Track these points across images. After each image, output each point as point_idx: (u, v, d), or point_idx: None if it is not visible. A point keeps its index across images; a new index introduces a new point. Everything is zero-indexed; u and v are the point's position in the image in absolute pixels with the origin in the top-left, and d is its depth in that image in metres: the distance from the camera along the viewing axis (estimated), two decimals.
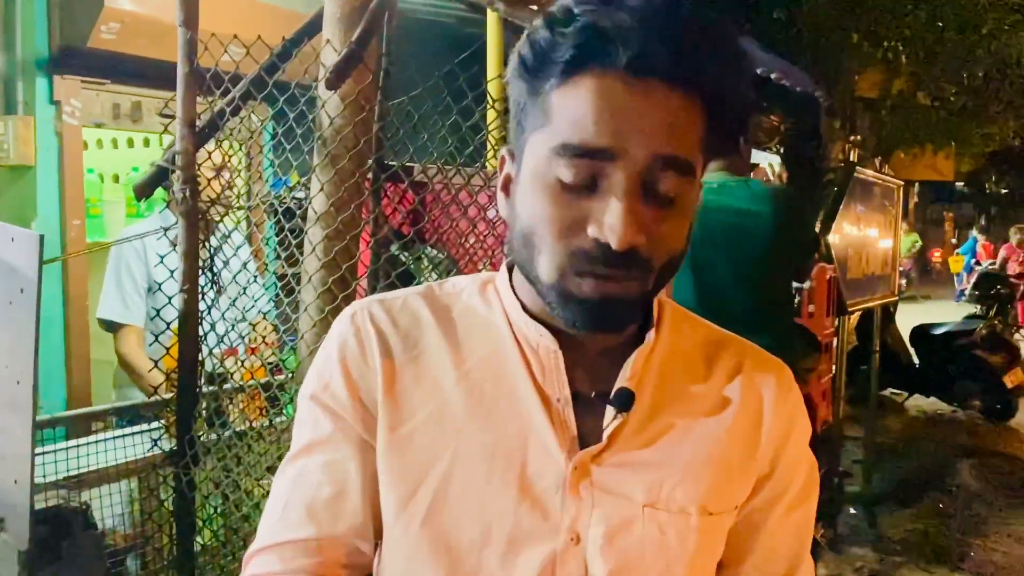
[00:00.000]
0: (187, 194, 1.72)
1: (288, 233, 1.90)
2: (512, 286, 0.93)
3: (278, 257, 1.98)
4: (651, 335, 0.92)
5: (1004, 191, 21.40)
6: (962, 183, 21.27)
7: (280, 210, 1.99)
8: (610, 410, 0.88)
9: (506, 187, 0.89)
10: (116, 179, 5.08)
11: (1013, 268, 11.09)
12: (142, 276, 2.77)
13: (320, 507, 0.90)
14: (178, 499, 1.82)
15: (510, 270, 0.95)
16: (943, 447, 6.41)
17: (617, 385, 0.88)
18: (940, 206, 24.61)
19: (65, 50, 3.63)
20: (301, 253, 1.79)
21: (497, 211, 1.96)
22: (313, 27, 1.82)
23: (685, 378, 0.94)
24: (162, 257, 1.85)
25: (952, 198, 23.88)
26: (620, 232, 0.75)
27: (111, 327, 2.82)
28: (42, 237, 1.43)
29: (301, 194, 2.00)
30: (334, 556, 0.91)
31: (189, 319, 1.79)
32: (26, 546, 1.47)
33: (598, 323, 0.83)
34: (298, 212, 1.95)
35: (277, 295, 1.99)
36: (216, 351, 2.04)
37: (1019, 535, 4.67)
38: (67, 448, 1.95)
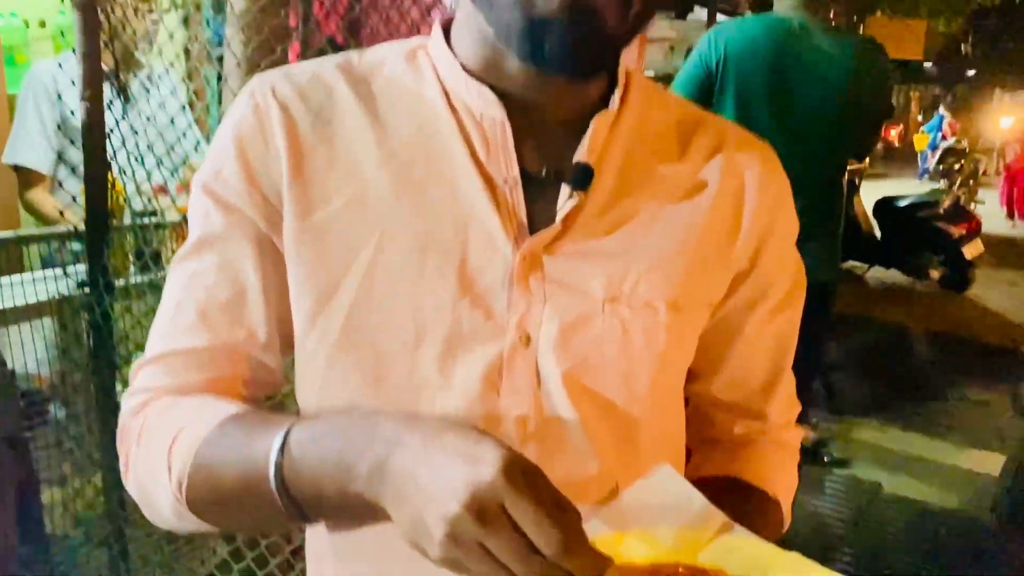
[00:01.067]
0: None
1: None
2: (449, 44, 0.76)
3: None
4: (615, 100, 0.77)
5: (973, 72, 21.22)
6: (931, 63, 21.04)
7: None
8: (565, 189, 0.74)
9: None
10: (43, 25, 4.71)
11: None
12: (51, 116, 2.53)
13: (215, 312, 0.76)
14: (94, 332, 1.67)
15: (446, 30, 0.78)
16: (901, 316, 6.48)
17: (574, 160, 0.73)
18: (907, 86, 24.44)
19: None
20: None
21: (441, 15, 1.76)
22: None
23: (655, 157, 0.80)
24: (60, 64, 1.62)
25: (920, 78, 23.70)
26: None
27: (17, 171, 2.61)
28: None
29: None
30: (233, 369, 0.77)
31: (93, 130, 1.58)
32: None
33: (565, 51, 0.68)
34: None
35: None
36: (145, 188, 1.85)
37: (971, 398, 4.74)
38: None
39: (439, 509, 0.54)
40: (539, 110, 0.75)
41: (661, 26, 5.28)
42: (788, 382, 0.92)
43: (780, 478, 0.91)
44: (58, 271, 1.85)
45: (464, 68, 0.75)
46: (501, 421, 0.74)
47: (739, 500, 0.79)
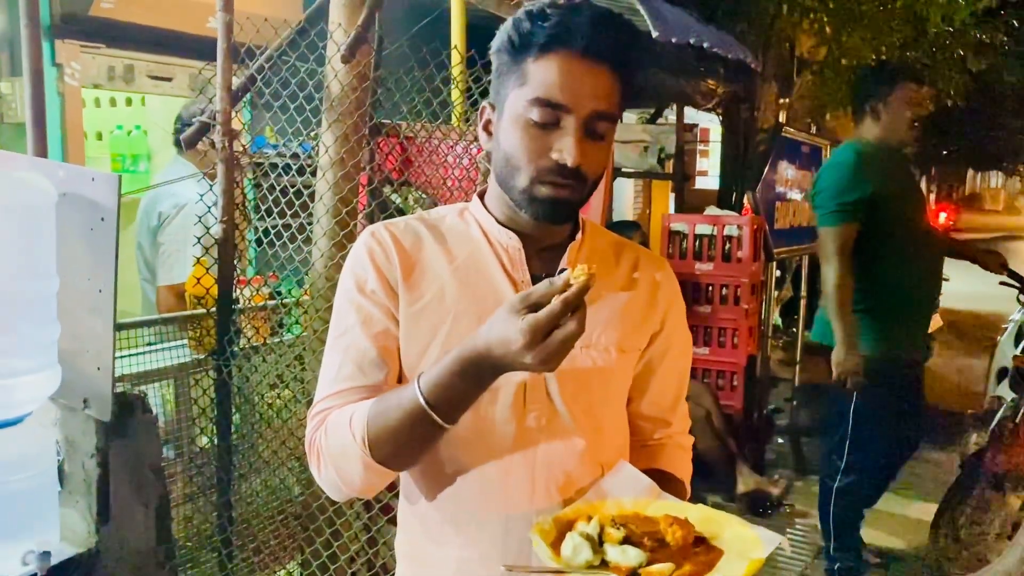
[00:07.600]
0: (226, 144, 2.15)
1: (276, 187, 2.33)
2: (484, 206, 1.30)
3: (257, 210, 2.42)
4: (579, 236, 1.32)
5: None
6: None
7: (268, 165, 2.42)
8: None
9: (487, 128, 1.25)
10: (100, 137, 5.34)
11: None
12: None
13: (367, 365, 1.22)
14: (220, 391, 2.27)
15: (481, 197, 1.32)
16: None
17: (560, 268, 1.24)
18: None
19: (67, 17, 3.94)
20: (288, 205, 2.25)
21: (469, 161, 2.42)
22: (321, 10, 2.24)
23: (602, 266, 1.25)
24: (202, 195, 2.29)
25: None
26: (573, 155, 1.13)
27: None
28: (120, 176, 1.81)
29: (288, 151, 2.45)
30: (375, 396, 1.20)
31: (227, 244, 2.22)
32: (108, 418, 1.86)
33: (551, 216, 1.21)
34: (283, 168, 2.39)
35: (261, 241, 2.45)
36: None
37: (934, 460, 5.12)
38: (121, 356, 2.38)
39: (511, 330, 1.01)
40: (538, 241, 1.26)
41: (635, 130, 6.05)
42: (684, 408, 1.44)
43: (684, 468, 1.42)
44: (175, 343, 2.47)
45: (495, 219, 1.27)
46: (525, 417, 1.23)
47: (664, 481, 1.29)
